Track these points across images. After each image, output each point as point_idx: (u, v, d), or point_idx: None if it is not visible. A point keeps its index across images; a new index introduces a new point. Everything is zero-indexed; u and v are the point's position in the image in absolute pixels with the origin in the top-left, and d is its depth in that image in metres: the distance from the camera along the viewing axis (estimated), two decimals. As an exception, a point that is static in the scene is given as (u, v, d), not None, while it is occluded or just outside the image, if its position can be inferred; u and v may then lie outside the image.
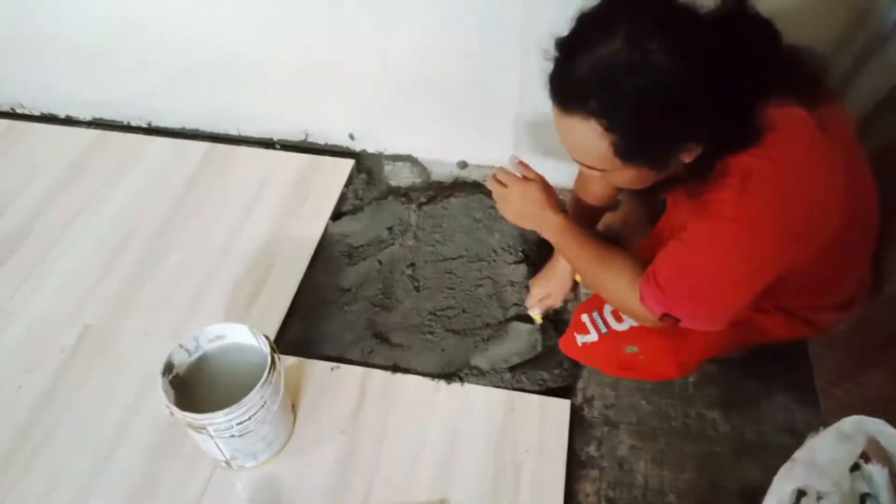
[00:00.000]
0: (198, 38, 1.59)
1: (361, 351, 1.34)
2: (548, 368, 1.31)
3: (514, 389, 1.27)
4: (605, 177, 0.88)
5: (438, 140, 1.69)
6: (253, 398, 1.03)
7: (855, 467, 0.77)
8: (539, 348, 1.33)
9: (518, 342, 1.34)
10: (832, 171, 0.83)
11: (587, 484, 1.17)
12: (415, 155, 1.75)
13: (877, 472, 0.76)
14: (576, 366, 1.31)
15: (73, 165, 1.73)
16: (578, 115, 0.79)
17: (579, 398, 1.28)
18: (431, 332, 1.36)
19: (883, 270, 1.06)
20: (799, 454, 0.79)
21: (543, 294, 1.33)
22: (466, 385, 1.27)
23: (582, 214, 1.26)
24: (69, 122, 1.90)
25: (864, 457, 0.77)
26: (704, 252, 0.86)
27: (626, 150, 0.80)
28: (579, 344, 1.14)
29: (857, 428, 0.77)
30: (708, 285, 0.87)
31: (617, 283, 0.97)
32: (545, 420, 1.22)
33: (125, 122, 1.89)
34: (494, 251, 1.49)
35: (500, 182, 1.06)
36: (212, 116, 1.82)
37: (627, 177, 0.87)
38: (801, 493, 0.79)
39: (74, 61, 1.73)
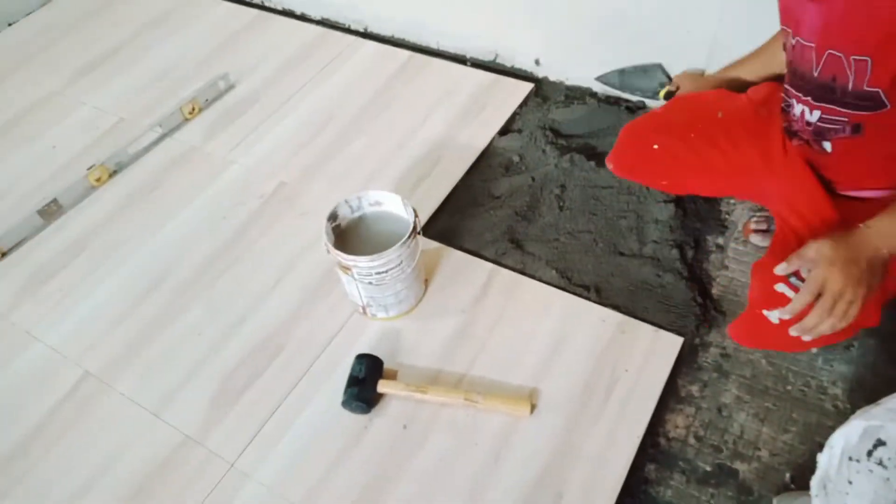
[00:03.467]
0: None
1: (496, 251, 1.45)
2: (677, 310, 1.32)
3: (631, 315, 1.30)
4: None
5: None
6: (392, 254, 1.20)
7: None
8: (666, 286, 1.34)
9: (646, 276, 1.36)
10: None
11: (679, 417, 1.19)
12: (594, 89, 1.79)
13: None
14: (696, 324, 1.30)
15: (299, 54, 2.02)
16: None
17: (696, 341, 1.28)
18: (564, 248, 1.43)
19: None
20: (885, 400, 0.76)
21: (677, 83, 1.36)
22: (585, 301, 1.33)
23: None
24: (303, 18, 2.20)
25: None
26: None
27: None
28: (775, 320, 0.99)
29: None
30: None
31: None
32: (653, 349, 1.25)
33: (346, 25, 2.14)
34: (647, 188, 1.50)
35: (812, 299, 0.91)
36: (417, 28, 2.00)
37: None
38: (879, 444, 0.76)
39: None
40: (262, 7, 2.26)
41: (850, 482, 0.76)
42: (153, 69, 2.03)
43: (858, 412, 0.77)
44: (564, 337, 1.28)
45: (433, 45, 2.00)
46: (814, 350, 1.23)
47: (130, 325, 1.40)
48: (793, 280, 0.97)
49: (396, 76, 1.90)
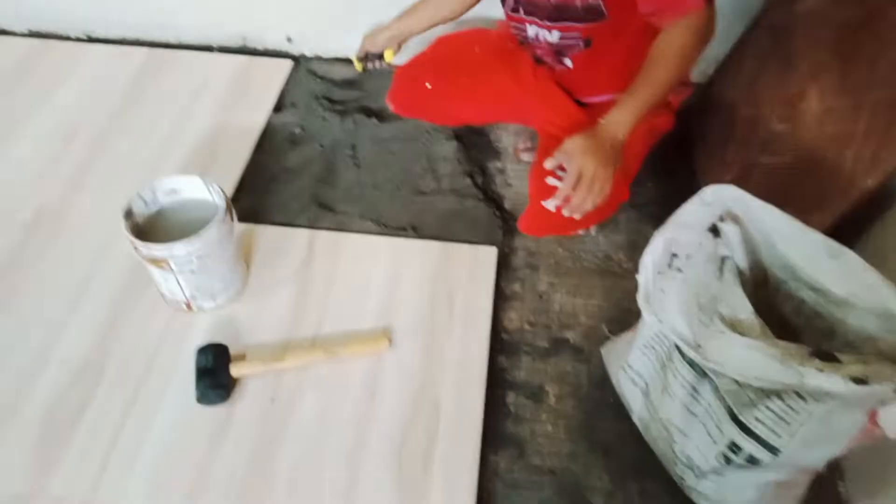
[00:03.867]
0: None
1: (307, 218, 1.47)
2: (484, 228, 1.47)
3: (449, 240, 1.42)
4: None
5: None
6: (210, 232, 1.15)
7: (713, 229, 0.96)
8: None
9: (451, 206, 1.49)
10: None
11: (511, 312, 1.35)
12: (350, 56, 1.87)
13: (730, 229, 0.95)
14: (502, 233, 1.46)
15: (13, 71, 1.77)
16: None
17: (506, 249, 1.45)
18: (372, 200, 1.50)
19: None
20: (670, 218, 0.97)
21: (368, 44, 1.49)
22: (406, 239, 1.42)
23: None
24: (5, 33, 1.92)
25: (722, 218, 0.96)
26: None
27: None
28: (552, 208, 1.16)
29: (715, 195, 0.96)
30: None
31: (683, 55, 1.08)
32: (476, 263, 1.38)
33: (64, 34, 1.92)
34: (427, 132, 1.63)
35: (562, 176, 1.13)
36: (151, 25, 1.87)
37: None
38: (673, 256, 0.97)
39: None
40: (-56, 27, 1.92)
41: (663, 290, 0.95)
42: None
43: (657, 231, 0.97)
44: (397, 274, 1.35)
45: (172, 40, 1.90)
46: (592, 231, 1.47)
47: None
48: (559, 173, 1.17)
49: (140, 75, 1.77)
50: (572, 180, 1.11)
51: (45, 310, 1.27)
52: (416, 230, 1.45)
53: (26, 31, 1.93)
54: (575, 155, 1.11)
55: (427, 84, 1.40)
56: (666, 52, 1.09)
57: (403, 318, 1.28)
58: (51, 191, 1.48)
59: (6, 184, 1.49)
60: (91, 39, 1.91)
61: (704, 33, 1.09)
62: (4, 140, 1.59)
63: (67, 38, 1.91)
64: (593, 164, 1.10)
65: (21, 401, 1.15)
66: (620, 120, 1.13)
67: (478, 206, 1.50)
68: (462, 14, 1.45)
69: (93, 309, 1.27)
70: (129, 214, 1.19)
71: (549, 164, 1.16)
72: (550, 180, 1.18)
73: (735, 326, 0.88)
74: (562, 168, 1.16)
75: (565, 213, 1.15)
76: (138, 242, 1.13)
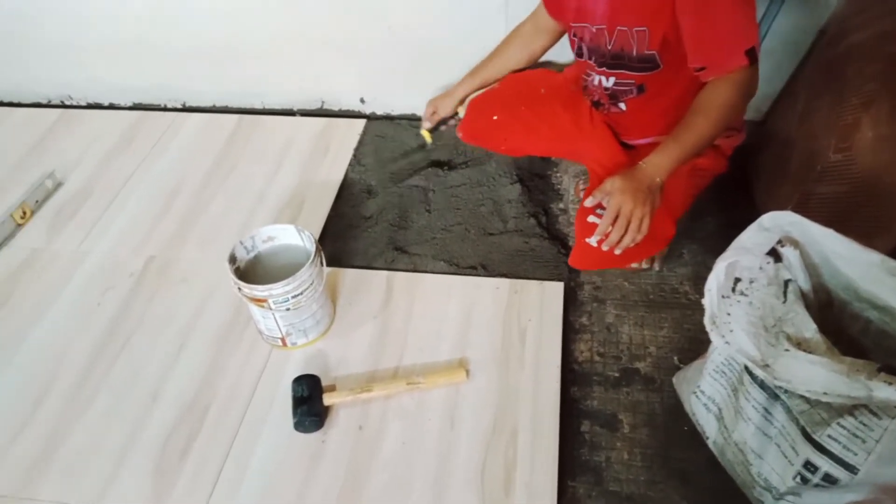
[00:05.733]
0: (226, 27, 1.87)
1: (385, 260, 1.58)
2: (550, 264, 1.55)
3: (518, 278, 1.51)
4: None
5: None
6: (304, 274, 1.27)
7: (773, 253, 1.01)
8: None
9: (517, 245, 1.58)
10: None
11: (581, 344, 1.41)
12: (418, 113, 2.02)
13: (790, 253, 1.00)
14: (568, 269, 1.54)
15: (122, 140, 1.99)
16: None
17: (572, 283, 1.52)
18: (443, 243, 1.60)
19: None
20: (731, 245, 1.03)
21: (431, 110, 1.58)
22: (477, 277, 1.51)
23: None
24: (112, 107, 2.17)
25: (781, 242, 1.01)
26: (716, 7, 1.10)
27: None
28: (594, 244, 1.21)
29: (773, 221, 1.01)
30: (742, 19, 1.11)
31: (725, 108, 1.15)
32: (544, 298, 1.46)
33: (162, 105, 2.15)
34: (493, 177, 1.74)
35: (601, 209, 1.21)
36: (239, 94, 2.08)
37: None
38: (737, 280, 1.03)
39: (115, 55, 2.01)
40: (65, 106, 2.18)
41: (729, 313, 1.00)
42: (-43, 186, 1.86)
43: (718, 258, 1.03)
44: (470, 310, 1.44)
45: (258, 106, 2.10)
46: (656, 266, 1.53)
47: (31, 436, 1.28)
48: (599, 211, 1.23)
49: (232, 139, 1.97)
50: (610, 218, 1.17)
51: (157, 351, 1.41)
52: (485, 268, 1.55)
53: (130, 104, 2.17)
54: (614, 194, 1.18)
55: (494, 116, 1.52)
56: (709, 105, 1.16)
57: (478, 350, 1.36)
58: (157, 243, 1.65)
59: (118, 239, 1.68)
60: (186, 109, 2.13)
61: (747, 90, 1.17)
62: (115, 200, 1.79)
63: (165, 109, 2.14)
64: (631, 204, 1.16)
65: (139, 432, 1.28)
66: (659, 163, 1.19)
67: (543, 245, 1.59)
68: (529, 65, 1.58)
69: (198, 349, 1.41)
70: (232, 259, 1.33)
71: (589, 202, 1.24)
72: (591, 218, 1.24)
73: (801, 345, 0.92)
74: (601, 206, 1.23)
75: (604, 248, 1.21)
76: (242, 284, 1.26)
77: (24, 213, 1.74)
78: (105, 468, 1.22)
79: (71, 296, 1.54)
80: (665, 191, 1.21)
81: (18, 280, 1.59)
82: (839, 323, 1.04)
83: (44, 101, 2.20)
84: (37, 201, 1.78)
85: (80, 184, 1.85)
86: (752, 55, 1.12)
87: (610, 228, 1.18)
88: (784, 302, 0.98)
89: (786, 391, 0.97)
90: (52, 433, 1.28)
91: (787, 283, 1.01)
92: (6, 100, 2.21)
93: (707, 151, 1.31)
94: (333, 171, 1.82)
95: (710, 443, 1.18)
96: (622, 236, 1.17)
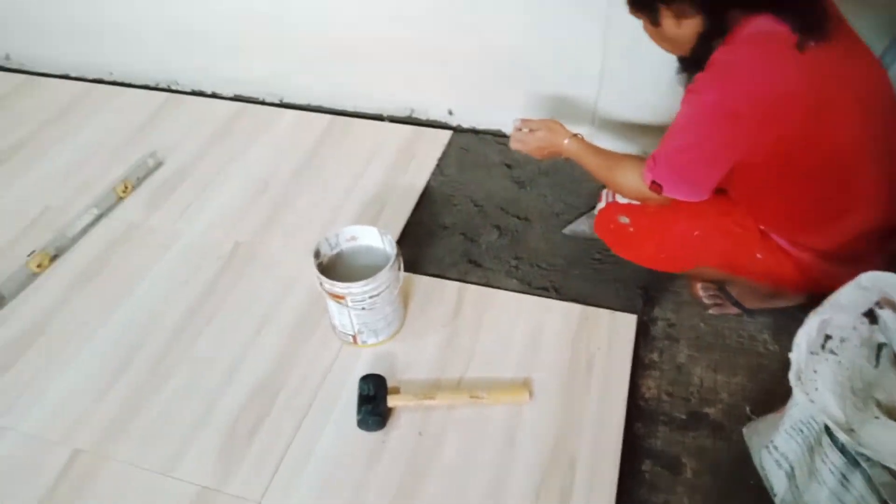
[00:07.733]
0: (327, 29, 1.95)
1: (458, 272, 1.60)
2: (618, 298, 1.53)
3: (589, 305, 1.50)
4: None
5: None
6: (383, 276, 1.31)
7: (869, 312, 0.97)
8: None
9: (592, 273, 1.57)
10: (790, 82, 1.03)
11: (649, 381, 1.38)
12: (503, 130, 2.04)
13: (889, 316, 0.96)
14: (643, 302, 1.52)
15: (220, 128, 2.10)
16: None
17: (646, 318, 1.49)
18: (517, 258, 1.61)
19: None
20: (826, 300, 0.99)
21: (525, 129, 1.44)
22: (548, 300, 1.51)
23: None
24: (214, 96, 2.29)
25: (879, 304, 0.97)
26: (679, 121, 1.13)
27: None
28: (595, 212, 1.45)
29: (872, 281, 0.97)
30: (679, 150, 1.13)
31: (625, 175, 1.25)
32: (614, 328, 1.44)
33: (261, 99, 2.25)
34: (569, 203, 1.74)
35: (519, 131, 1.41)
36: (333, 94, 2.16)
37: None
38: (827, 338, 0.99)
39: (225, 48, 2.13)
40: (170, 90, 2.32)
41: (815, 371, 0.97)
42: (70, 158, 2.00)
43: (812, 312, 0.99)
44: (539, 332, 1.44)
45: (350, 108, 2.17)
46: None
47: (115, 398, 1.36)
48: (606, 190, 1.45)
49: (322, 139, 2.04)
50: (526, 131, 1.40)
51: (237, 333, 1.48)
52: (558, 292, 1.54)
53: (231, 95, 2.28)
54: (542, 130, 1.38)
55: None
56: (617, 164, 1.28)
57: (543, 373, 1.36)
58: (246, 230, 1.73)
59: (209, 222, 1.77)
60: (283, 105, 2.22)
61: (642, 199, 1.26)
62: (209, 185, 1.88)
63: (263, 103, 2.24)
64: (535, 145, 1.39)
65: (211, 410, 1.33)
66: (571, 148, 1.36)
67: (617, 273, 1.57)
68: None
69: (274, 335, 1.47)
70: (317, 254, 1.37)
71: (518, 122, 1.42)
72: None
73: (892, 413, 0.88)
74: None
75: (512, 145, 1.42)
76: (324, 278, 1.31)
77: (126, 187, 1.85)
78: (176, 440, 1.29)
79: (161, 271, 1.63)
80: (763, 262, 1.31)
81: (115, 251, 1.69)
82: (934, 395, 0.99)
83: (152, 85, 2.34)
84: (138, 178, 1.89)
85: (178, 165, 1.96)
86: (655, 185, 1.17)
87: (520, 133, 1.41)
88: (876, 366, 0.94)
89: (868, 459, 0.92)
90: (133, 399, 1.36)
91: (880, 346, 0.97)
92: (120, 80, 2.36)
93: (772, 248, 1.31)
94: (416, 179, 1.86)
95: (777, 500, 1.13)
96: (520, 141, 1.40)
